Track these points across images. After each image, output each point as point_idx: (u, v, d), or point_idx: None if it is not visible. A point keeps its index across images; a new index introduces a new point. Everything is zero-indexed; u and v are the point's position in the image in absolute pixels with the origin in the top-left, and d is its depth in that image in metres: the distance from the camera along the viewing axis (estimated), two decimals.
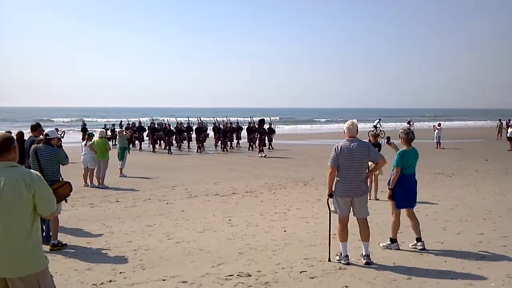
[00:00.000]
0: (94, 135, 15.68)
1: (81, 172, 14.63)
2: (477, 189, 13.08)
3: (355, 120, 6.89)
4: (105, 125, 33.88)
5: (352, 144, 6.56)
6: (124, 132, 20.21)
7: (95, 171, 14.60)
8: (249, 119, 30.96)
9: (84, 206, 11.07)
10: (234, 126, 30.03)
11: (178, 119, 33.37)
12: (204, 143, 27.82)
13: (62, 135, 9.42)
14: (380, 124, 40.13)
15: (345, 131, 6.73)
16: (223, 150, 27.51)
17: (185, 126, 29.41)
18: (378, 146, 11.18)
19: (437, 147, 27.44)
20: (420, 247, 7.33)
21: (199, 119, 29.85)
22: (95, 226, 9.16)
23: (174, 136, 27.91)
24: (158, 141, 29.08)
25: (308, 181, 14.90)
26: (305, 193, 12.61)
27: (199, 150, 27.01)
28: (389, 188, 7.46)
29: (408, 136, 7.49)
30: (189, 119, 32.66)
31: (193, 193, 12.71)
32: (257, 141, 25.11)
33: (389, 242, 7.39)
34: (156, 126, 29.21)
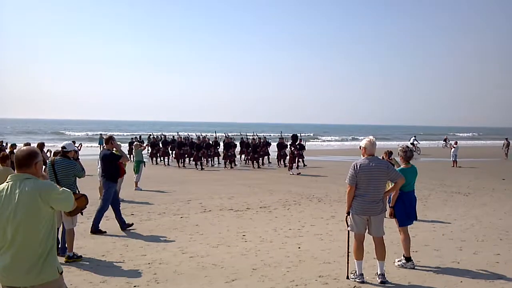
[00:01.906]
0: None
1: (97, 184, 14.72)
2: (494, 208, 12.92)
3: (373, 137, 6.87)
4: (132, 138, 33.97)
5: (371, 162, 6.54)
6: (140, 145, 20.32)
7: None
8: (277, 134, 30.20)
9: None
10: (262, 141, 28.32)
11: (203, 133, 32.05)
12: (235, 159, 27.04)
13: (79, 148, 9.57)
14: (416, 141, 41.35)
15: (364, 149, 6.71)
16: (254, 167, 26.26)
17: (211, 140, 28.21)
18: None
19: (453, 166, 27.19)
20: (398, 263, 7.35)
21: (227, 134, 28.96)
22: (110, 239, 9.22)
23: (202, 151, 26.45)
24: (185, 156, 27.73)
25: (322, 197, 14.84)
26: (319, 210, 12.56)
27: (227, 166, 26.09)
28: (390, 206, 7.44)
29: (406, 154, 7.50)
30: (216, 133, 31.40)
31: (208, 208, 12.74)
32: (288, 157, 24.07)
33: (404, 261, 7.33)
34: (183, 140, 28.16)
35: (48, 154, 13.74)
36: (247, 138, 29.28)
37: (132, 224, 10.22)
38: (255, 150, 27.06)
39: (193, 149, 26.74)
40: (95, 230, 9.70)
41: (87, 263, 7.55)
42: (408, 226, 7.62)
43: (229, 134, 29.94)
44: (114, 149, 10.04)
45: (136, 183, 16.78)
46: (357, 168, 6.54)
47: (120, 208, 10.28)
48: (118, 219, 10.07)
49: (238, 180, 20.03)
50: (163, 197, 14.86)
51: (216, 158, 28.07)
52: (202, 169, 24.97)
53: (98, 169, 14.80)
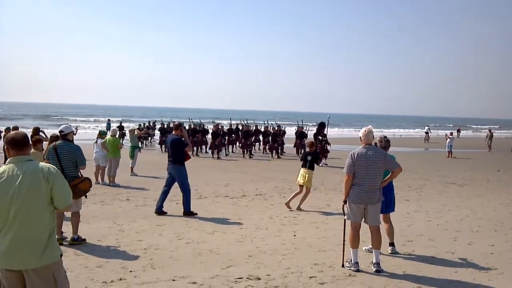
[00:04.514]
0: (106, 133, 15.76)
1: (93, 169, 14.70)
2: (488, 200, 12.99)
3: (371, 127, 6.87)
4: (140, 124, 33.58)
5: (369, 151, 6.55)
6: (135, 131, 20.18)
7: (106, 169, 14.68)
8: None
9: (95, 203, 11.12)
10: (280, 130, 26.62)
11: (217, 121, 30.57)
12: (253, 148, 25.81)
13: (75, 132, 9.54)
14: (430, 131, 46.24)
15: (362, 138, 6.69)
16: (275, 156, 24.96)
17: (226, 128, 26.70)
18: None
19: (448, 156, 27.27)
20: (390, 251, 7.48)
21: (245, 122, 27.77)
22: (106, 223, 9.21)
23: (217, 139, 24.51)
24: (198, 144, 25.90)
25: (318, 186, 14.85)
26: (315, 198, 12.55)
27: (245, 156, 24.57)
28: None
29: (382, 144, 7.51)
30: (232, 121, 29.25)
31: (203, 194, 12.74)
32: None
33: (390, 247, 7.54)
34: (197, 128, 26.36)
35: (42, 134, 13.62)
36: (260, 127, 28.20)
37: (166, 212, 10.38)
38: (275, 139, 25.47)
39: (204, 137, 25.72)
40: (188, 212, 10.21)
41: (83, 247, 7.54)
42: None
43: (247, 121, 28.49)
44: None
45: (132, 168, 16.77)
46: (354, 157, 6.55)
47: (116, 193, 10.24)
48: (160, 202, 10.43)
49: (234, 167, 20.04)
50: (159, 183, 14.78)
51: (231, 147, 26.85)
52: (218, 158, 23.71)
53: (94, 154, 14.80)
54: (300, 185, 11.14)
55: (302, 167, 11.28)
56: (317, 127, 22.52)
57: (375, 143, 7.60)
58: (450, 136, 28.60)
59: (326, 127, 22.40)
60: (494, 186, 15.79)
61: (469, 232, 9.09)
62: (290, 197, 11.16)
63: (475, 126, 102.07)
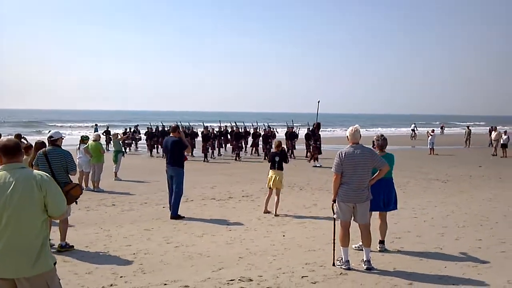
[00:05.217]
0: (88, 138, 15.57)
1: (76, 175, 14.49)
2: (472, 195, 13.16)
3: (358, 126, 6.92)
4: (126, 129, 33.01)
5: (356, 150, 6.58)
6: (118, 135, 19.97)
7: (90, 174, 14.52)
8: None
9: (80, 209, 10.96)
10: (271, 131, 26.22)
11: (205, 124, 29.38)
12: (242, 151, 25.80)
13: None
14: (416, 128, 46.95)
15: (349, 137, 6.74)
16: (265, 158, 23.65)
17: (216, 131, 26.52)
18: None
19: (430, 153, 27.59)
20: (379, 249, 7.56)
21: (235, 124, 27.44)
22: (93, 229, 9.10)
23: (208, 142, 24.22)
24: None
25: (304, 186, 14.91)
26: (301, 198, 12.59)
27: (237, 158, 24.25)
28: None
29: (379, 142, 7.59)
30: (221, 123, 29.03)
31: (190, 197, 12.65)
32: (312, 148, 22.00)
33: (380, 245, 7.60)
34: (186, 131, 25.22)
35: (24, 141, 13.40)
36: (249, 128, 27.94)
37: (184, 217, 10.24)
38: (267, 140, 24.75)
39: (194, 140, 25.17)
40: (175, 215, 10.06)
41: (72, 254, 7.45)
42: (389, 213, 7.74)
43: (236, 123, 28.22)
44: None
45: (116, 173, 16.62)
46: (342, 156, 6.58)
47: (101, 198, 10.14)
48: (173, 206, 10.30)
49: (219, 169, 19.98)
50: (144, 187, 14.75)
51: (220, 149, 26.48)
52: (206, 160, 23.35)
53: (77, 160, 14.60)
54: (270, 188, 10.83)
55: (270, 168, 10.89)
56: (311, 127, 22.61)
57: (372, 141, 7.67)
58: (431, 134, 28.93)
59: (317, 113, 22.25)
60: (477, 182, 16.02)
61: (455, 228, 9.20)
62: (264, 204, 10.84)
63: (459, 123, 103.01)
